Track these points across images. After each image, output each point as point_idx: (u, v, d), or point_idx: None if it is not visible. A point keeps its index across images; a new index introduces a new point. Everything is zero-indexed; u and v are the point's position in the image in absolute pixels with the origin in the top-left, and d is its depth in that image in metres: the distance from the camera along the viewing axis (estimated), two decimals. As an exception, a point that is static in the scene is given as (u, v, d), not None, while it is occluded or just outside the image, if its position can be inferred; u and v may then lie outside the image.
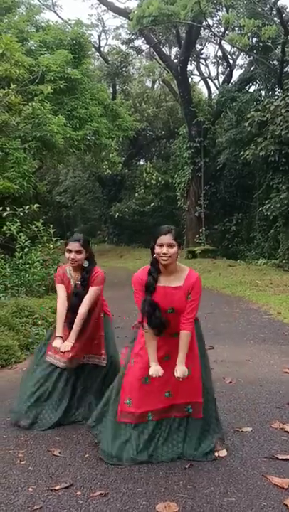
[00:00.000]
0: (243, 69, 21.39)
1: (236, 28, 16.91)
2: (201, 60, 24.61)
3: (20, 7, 16.37)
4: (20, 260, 8.76)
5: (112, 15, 24.81)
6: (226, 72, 22.52)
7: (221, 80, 24.17)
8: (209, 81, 24.65)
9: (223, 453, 3.31)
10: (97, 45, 24.77)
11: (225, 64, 22.94)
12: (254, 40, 16.69)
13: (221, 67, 24.63)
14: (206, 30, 20.15)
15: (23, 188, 11.02)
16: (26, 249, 8.84)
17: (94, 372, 4.02)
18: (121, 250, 24.49)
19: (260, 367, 5.51)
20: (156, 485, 2.94)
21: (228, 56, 22.58)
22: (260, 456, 3.30)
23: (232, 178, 20.18)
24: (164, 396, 3.28)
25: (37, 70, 11.84)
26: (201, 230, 19.78)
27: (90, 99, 14.96)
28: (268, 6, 17.17)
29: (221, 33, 20.02)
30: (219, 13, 18.92)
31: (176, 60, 21.27)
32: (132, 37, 21.69)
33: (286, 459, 3.24)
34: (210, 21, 18.86)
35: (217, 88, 23.60)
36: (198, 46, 22.70)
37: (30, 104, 10.59)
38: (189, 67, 22.00)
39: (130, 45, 22.63)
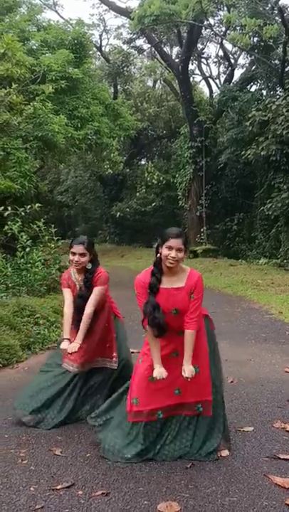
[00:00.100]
0: (245, 68, 21.38)
1: (238, 28, 16.86)
2: (203, 60, 24.63)
3: (22, 7, 16.37)
4: (22, 260, 8.76)
5: (113, 14, 24.80)
6: (228, 72, 22.50)
7: (222, 79, 24.19)
8: (210, 80, 24.68)
9: (225, 453, 3.31)
10: (98, 45, 24.78)
11: (226, 63, 22.94)
12: (255, 39, 16.66)
13: (222, 66, 24.69)
14: (208, 30, 20.16)
15: (25, 187, 11.03)
16: (28, 249, 8.84)
17: (104, 374, 4.00)
18: (122, 250, 24.48)
19: (262, 366, 5.50)
20: (157, 484, 2.94)
21: (230, 55, 22.59)
22: (261, 456, 3.31)
23: (233, 178, 20.16)
24: (173, 393, 3.28)
25: (38, 69, 11.85)
26: (202, 230, 19.77)
27: (92, 98, 14.96)
28: (269, 5, 17.13)
29: (222, 33, 20.02)
30: (220, 12, 18.90)
31: (177, 60, 21.26)
32: (134, 36, 21.67)
33: (288, 459, 3.24)
34: (211, 21, 18.90)
35: (218, 88, 23.60)
36: (199, 46, 22.69)
37: (31, 103, 10.59)
38: (191, 67, 22.00)
39: (131, 44, 22.62)
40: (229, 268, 15.22)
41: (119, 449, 3.25)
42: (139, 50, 23.29)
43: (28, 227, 9.51)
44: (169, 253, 3.12)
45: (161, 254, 3.19)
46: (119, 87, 25.36)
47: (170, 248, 3.12)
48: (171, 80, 23.86)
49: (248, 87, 19.79)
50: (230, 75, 21.82)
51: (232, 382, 4.87)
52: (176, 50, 24.57)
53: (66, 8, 54.07)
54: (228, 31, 18.83)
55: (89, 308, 3.81)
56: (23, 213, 9.12)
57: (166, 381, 3.22)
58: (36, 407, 3.80)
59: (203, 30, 20.01)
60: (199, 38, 20.71)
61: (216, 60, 24.39)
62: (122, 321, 4.22)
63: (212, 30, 19.58)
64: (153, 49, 22.72)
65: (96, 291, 3.85)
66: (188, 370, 3.16)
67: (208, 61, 25.18)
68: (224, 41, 20.69)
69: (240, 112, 17.82)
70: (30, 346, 6.27)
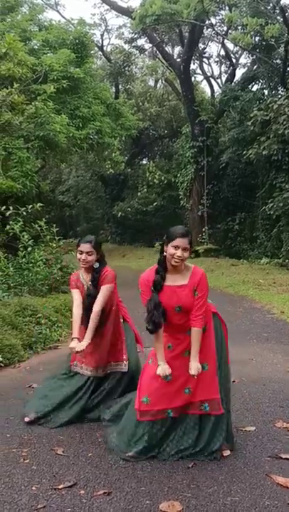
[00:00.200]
0: (246, 68, 21.36)
1: (239, 27, 16.86)
2: (204, 59, 24.60)
3: (23, 6, 16.36)
4: (24, 259, 8.77)
5: (114, 14, 24.85)
6: (229, 71, 22.48)
7: (223, 78, 24.14)
8: (212, 80, 24.69)
9: (226, 452, 3.31)
10: (99, 45, 24.78)
11: (228, 63, 22.92)
12: (257, 39, 16.65)
13: (223, 66, 24.66)
14: (209, 29, 20.12)
15: (26, 187, 11.03)
16: (29, 249, 8.85)
17: (116, 378, 3.99)
18: (124, 250, 24.48)
19: (264, 366, 5.50)
20: (159, 484, 2.94)
21: (231, 55, 22.57)
22: (263, 456, 3.30)
23: (235, 177, 20.15)
24: (183, 393, 3.28)
25: (40, 69, 11.84)
26: (203, 229, 19.76)
27: (93, 98, 14.96)
28: (271, 4, 17.11)
29: (223, 32, 20.00)
30: (222, 12, 18.89)
31: (179, 59, 21.25)
32: (135, 36, 21.64)
33: (290, 459, 3.24)
34: (213, 20, 18.87)
35: (220, 87, 23.59)
36: (201, 45, 22.64)
37: (33, 103, 10.58)
38: (192, 66, 21.97)
39: (133, 44, 22.59)
40: (231, 268, 15.22)
41: (123, 446, 3.27)
42: (141, 49, 23.27)
43: (30, 227, 9.52)
44: (175, 252, 3.13)
45: (166, 252, 3.19)
46: (120, 86, 25.35)
47: (176, 247, 3.13)
48: (173, 79, 23.84)
49: (250, 86, 19.77)
50: (232, 75, 21.80)
51: (234, 381, 4.85)
52: (177, 49, 24.60)
53: (68, 8, 54.02)
54: (230, 31, 18.82)
55: (97, 306, 3.81)
56: (24, 213, 9.14)
57: (178, 381, 3.24)
58: (47, 410, 3.85)
59: (204, 30, 19.98)
60: (201, 37, 20.68)
61: (217, 59, 24.43)
62: (131, 324, 4.20)
63: (214, 29, 19.56)
64: (154, 49, 22.71)
65: (104, 290, 3.86)
66: (194, 367, 3.16)
67: (210, 61, 25.22)
68: (226, 41, 20.67)
69: (241, 112, 17.82)
70: (32, 346, 6.29)
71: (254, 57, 18.76)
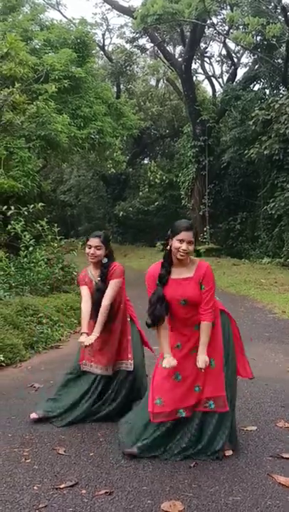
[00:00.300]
0: (248, 67, 21.38)
1: (241, 27, 16.85)
2: (206, 59, 24.59)
3: (25, 6, 16.34)
4: (25, 259, 8.78)
5: (116, 14, 24.86)
6: (231, 71, 22.50)
7: (225, 78, 24.17)
8: (213, 79, 24.62)
9: (228, 452, 3.30)
10: (101, 44, 24.77)
11: (229, 62, 22.93)
12: (258, 38, 16.66)
13: (225, 65, 24.65)
14: (211, 29, 20.11)
15: (28, 187, 11.01)
16: (31, 248, 8.86)
17: (120, 377, 3.98)
18: (125, 249, 24.46)
19: (265, 366, 5.50)
20: (161, 483, 2.94)
21: (233, 54, 22.57)
22: (265, 455, 3.30)
23: (236, 177, 20.14)
24: (194, 391, 3.28)
25: (41, 68, 11.82)
26: (205, 229, 19.76)
27: (94, 98, 14.93)
28: (272, 4, 17.09)
29: (225, 32, 19.98)
30: (223, 11, 18.88)
31: (180, 59, 21.24)
32: (136, 36, 21.66)
33: (291, 458, 3.24)
34: (214, 20, 18.84)
35: (221, 87, 23.54)
36: (202, 45, 22.65)
37: (34, 103, 10.57)
38: (193, 66, 21.98)
39: (134, 43, 22.61)
40: (232, 267, 15.21)
41: (130, 443, 3.27)
42: (142, 49, 23.29)
43: (31, 227, 9.53)
44: (180, 246, 3.16)
45: (171, 246, 3.22)
46: (122, 86, 25.34)
47: (181, 241, 3.17)
48: (174, 79, 23.84)
49: (251, 86, 19.78)
50: (233, 74, 21.80)
51: (235, 381, 4.86)
52: (179, 49, 24.58)
53: (69, 8, 54.13)
54: (231, 30, 18.80)
55: (106, 301, 3.82)
56: (26, 212, 9.13)
57: (188, 380, 3.24)
58: (59, 412, 3.86)
59: (206, 29, 19.98)
60: (202, 37, 20.68)
61: (219, 59, 24.43)
62: (138, 324, 4.16)
63: (215, 29, 19.54)
64: (156, 48, 22.72)
65: (112, 284, 3.86)
66: (201, 360, 3.16)
67: (211, 60, 25.21)
68: (227, 40, 20.67)
69: (243, 111, 17.81)
70: (33, 345, 6.29)
71: (255, 56, 18.75)
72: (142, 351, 4.15)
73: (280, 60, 17.51)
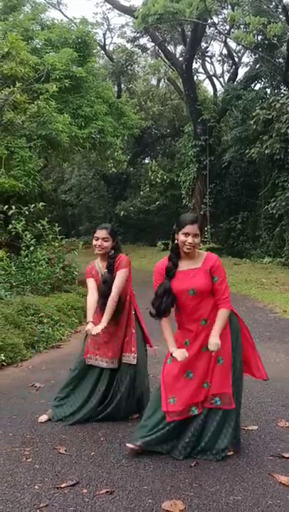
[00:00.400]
0: (249, 67, 21.37)
1: (242, 26, 16.85)
2: (207, 58, 24.62)
3: (26, 5, 16.33)
4: (26, 258, 8.78)
5: (117, 13, 24.82)
6: (232, 70, 22.48)
7: (226, 77, 24.19)
8: (214, 79, 24.65)
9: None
10: (102, 44, 24.78)
11: (230, 62, 22.92)
12: (259, 37, 16.64)
13: (226, 65, 24.65)
14: (212, 28, 20.11)
15: (29, 186, 11.01)
16: (32, 248, 8.86)
17: (123, 370, 3.96)
18: (126, 249, 24.43)
19: (266, 365, 5.43)
20: (162, 483, 2.93)
21: (234, 54, 22.57)
22: (266, 455, 3.30)
23: (237, 177, 20.14)
24: (202, 387, 3.28)
25: (42, 68, 11.82)
26: (206, 229, 19.74)
27: (95, 97, 14.92)
28: (273, 3, 17.08)
29: (226, 31, 19.99)
30: (224, 10, 18.90)
31: (181, 58, 21.23)
32: (137, 35, 21.68)
33: (292, 458, 3.23)
34: (215, 19, 18.88)
35: (222, 86, 23.58)
36: (203, 44, 22.65)
37: (35, 102, 10.58)
38: (194, 65, 21.96)
39: (135, 43, 22.62)
40: (233, 267, 15.21)
41: (136, 437, 3.28)
42: (143, 48, 23.29)
43: (32, 226, 9.53)
44: (186, 239, 3.20)
45: (177, 240, 3.24)
46: (123, 85, 25.36)
47: (187, 234, 3.20)
48: (175, 78, 23.84)
49: (252, 85, 19.76)
50: (235, 74, 21.79)
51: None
52: (180, 48, 24.58)
53: (70, 7, 54.09)
54: (232, 29, 18.81)
55: (114, 291, 3.82)
56: (27, 212, 9.14)
57: (198, 377, 3.25)
58: (71, 412, 3.87)
59: (207, 29, 19.98)
60: (203, 36, 20.67)
61: (220, 58, 24.42)
62: (141, 320, 4.13)
63: (216, 28, 19.56)
64: (157, 48, 22.71)
65: (119, 275, 3.86)
66: (213, 343, 3.16)
67: (212, 59, 25.22)
68: (228, 39, 20.66)
69: (244, 111, 17.81)
70: (34, 345, 6.29)
71: (256, 56, 18.75)
72: (144, 347, 4.13)
73: (281, 60, 17.51)
